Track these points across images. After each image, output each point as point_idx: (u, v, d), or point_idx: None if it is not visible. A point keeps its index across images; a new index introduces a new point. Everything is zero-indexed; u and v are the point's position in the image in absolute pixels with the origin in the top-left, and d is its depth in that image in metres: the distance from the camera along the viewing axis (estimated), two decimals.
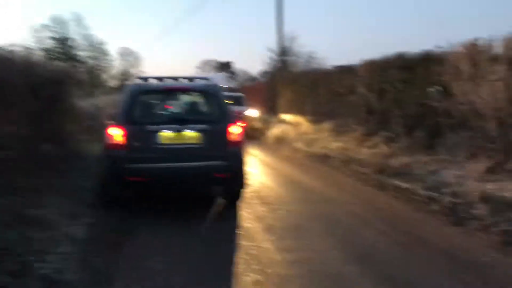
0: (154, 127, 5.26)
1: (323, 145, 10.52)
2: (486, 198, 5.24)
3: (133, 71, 45.31)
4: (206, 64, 53.37)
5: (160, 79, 6.14)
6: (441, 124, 7.60)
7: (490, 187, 5.53)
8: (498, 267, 3.82)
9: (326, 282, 3.53)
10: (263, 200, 6.07)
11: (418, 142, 7.85)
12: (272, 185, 7.04)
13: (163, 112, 6.62)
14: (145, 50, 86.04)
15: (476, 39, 6.69)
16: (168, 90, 6.10)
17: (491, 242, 4.36)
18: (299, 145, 11.57)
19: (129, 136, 5.16)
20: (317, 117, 13.39)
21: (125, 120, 5.27)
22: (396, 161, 7.46)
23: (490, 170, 6.02)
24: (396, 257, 4.05)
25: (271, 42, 26.00)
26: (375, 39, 51.87)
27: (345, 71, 11.91)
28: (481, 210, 5.03)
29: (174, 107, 7.43)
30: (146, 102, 6.07)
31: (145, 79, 6.22)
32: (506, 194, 5.16)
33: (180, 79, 6.24)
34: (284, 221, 5.15)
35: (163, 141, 5.23)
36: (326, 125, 12.11)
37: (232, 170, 5.39)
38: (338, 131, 11.17)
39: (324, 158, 9.56)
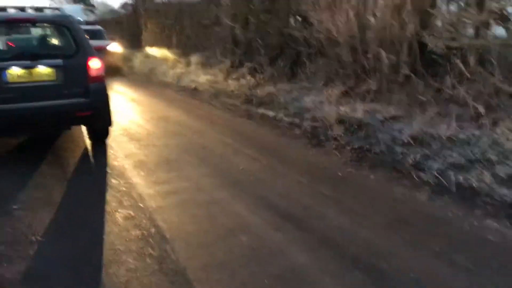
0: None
1: (191, 79, 10.43)
2: (341, 120, 5.74)
3: None
4: None
5: (2, 9, 5.41)
6: (302, 53, 7.98)
7: (344, 109, 6.04)
8: (352, 179, 4.27)
9: (198, 208, 3.64)
10: (132, 137, 5.91)
11: (281, 71, 8.19)
12: (140, 122, 6.86)
13: (9, 47, 5.91)
14: None
15: None
16: (13, 21, 5.41)
17: (346, 159, 4.83)
18: (167, 79, 11.33)
19: None
20: (184, 50, 13.13)
21: None
22: (262, 91, 7.73)
23: (344, 94, 6.56)
24: (264, 178, 4.30)
25: None
26: None
27: (210, 1, 11.70)
28: (337, 131, 5.51)
29: (23, 41, 6.69)
30: None
31: None
32: (357, 115, 5.70)
33: (28, 10, 5.56)
34: (154, 156, 5.10)
35: (12, 80, 4.70)
36: (194, 58, 11.96)
37: (95, 107, 5.08)
38: (206, 64, 11.12)
39: (193, 92, 9.53)
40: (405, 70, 5.64)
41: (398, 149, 4.73)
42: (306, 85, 7.33)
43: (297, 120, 6.15)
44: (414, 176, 4.13)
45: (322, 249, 2.99)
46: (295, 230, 3.25)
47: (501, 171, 3.83)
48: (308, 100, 6.74)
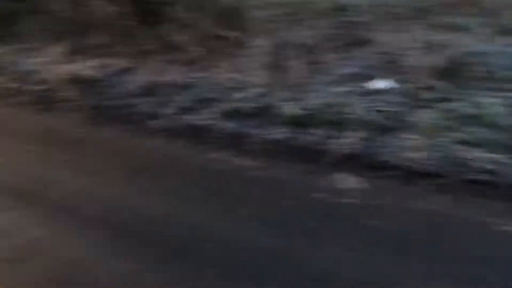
0: None
1: None
2: (72, 79, 5.42)
3: None
4: None
5: None
6: (17, 11, 7.11)
7: (74, 68, 5.71)
8: (87, 139, 4.15)
9: None
10: None
11: None
12: None
13: None
14: None
15: None
16: None
17: (81, 119, 4.62)
18: None
19: None
20: None
21: None
22: None
23: (73, 52, 6.17)
24: None
25: None
26: None
27: None
28: (68, 92, 5.20)
29: None
30: None
31: None
32: (89, 72, 5.48)
33: None
34: None
35: None
36: None
37: None
38: None
39: None
40: (129, 21, 5.60)
41: (132, 101, 4.76)
42: (26, 46, 6.58)
43: (21, 86, 5.55)
44: (149, 125, 4.24)
45: (57, 217, 2.86)
46: (28, 206, 3.02)
47: (223, 108, 4.25)
48: (32, 62, 6.10)
